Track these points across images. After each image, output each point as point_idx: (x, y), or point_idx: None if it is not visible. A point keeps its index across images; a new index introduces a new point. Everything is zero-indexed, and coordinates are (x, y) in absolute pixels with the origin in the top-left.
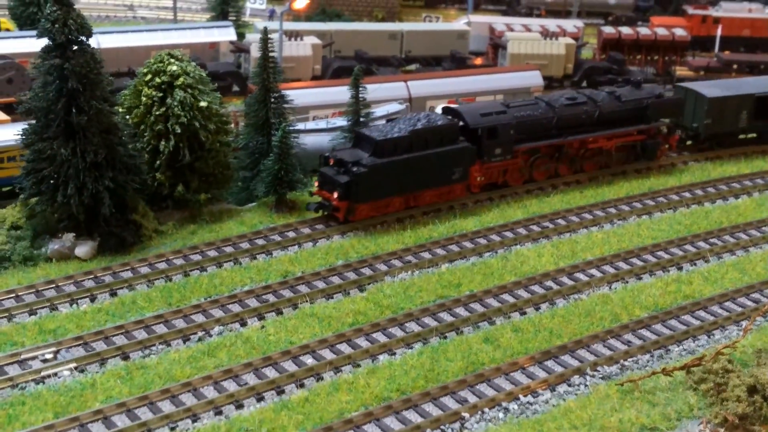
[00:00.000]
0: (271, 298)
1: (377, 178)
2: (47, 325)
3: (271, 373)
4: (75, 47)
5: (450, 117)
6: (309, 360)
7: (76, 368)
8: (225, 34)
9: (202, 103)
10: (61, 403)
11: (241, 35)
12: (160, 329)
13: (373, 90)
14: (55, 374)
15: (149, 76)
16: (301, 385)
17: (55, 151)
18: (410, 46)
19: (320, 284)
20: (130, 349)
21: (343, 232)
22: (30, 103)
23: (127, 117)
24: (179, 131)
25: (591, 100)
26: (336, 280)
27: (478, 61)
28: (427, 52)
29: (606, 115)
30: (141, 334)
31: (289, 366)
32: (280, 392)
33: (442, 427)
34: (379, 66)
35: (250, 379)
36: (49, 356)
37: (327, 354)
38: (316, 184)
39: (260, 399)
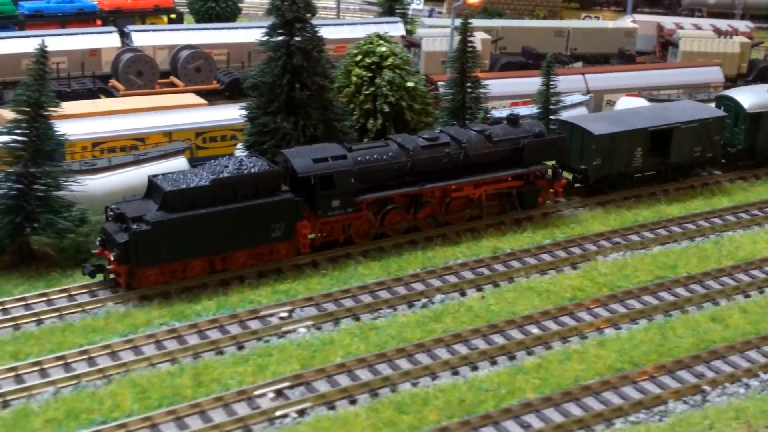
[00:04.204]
0: (485, 271)
1: (166, 237)
2: (279, 287)
3: (499, 339)
4: (299, 25)
5: (269, 164)
6: (534, 329)
7: (312, 326)
8: (395, 30)
9: (409, 84)
10: (304, 356)
11: (408, 32)
12: (384, 294)
13: None
14: (294, 330)
15: (359, 57)
16: (530, 353)
17: (277, 125)
18: (576, 44)
19: (531, 260)
20: (360, 311)
21: (545, 214)
22: (256, 79)
23: (338, 96)
24: (387, 110)
25: (455, 140)
26: (547, 257)
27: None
28: (593, 49)
29: (473, 158)
30: (367, 298)
31: (516, 334)
32: (512, 358)
33: (683, 398)
34: None
35: (480, 344)
36: (284, 315)
37: (551, 325)
38: (98, 242)
39: (493, 363)
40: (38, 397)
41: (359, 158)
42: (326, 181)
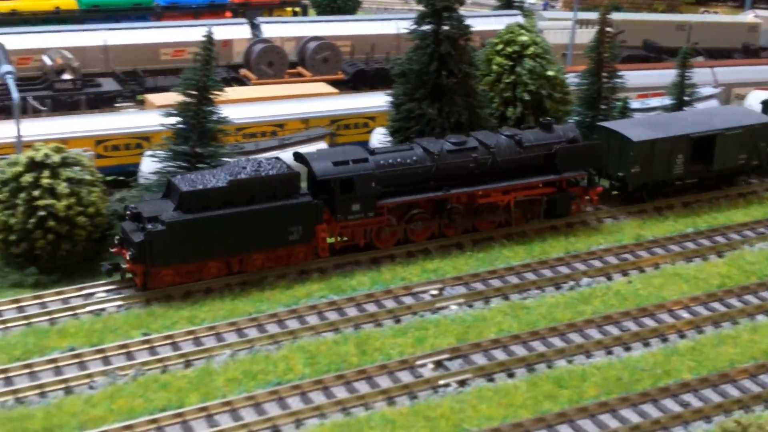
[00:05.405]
0: (629, 257)
1: (181, 237)
2: (427, 266)
3: (649, 322)
4: (447, 14)
5: (288, 166)
6: (685, 314)
7: (464, 303)
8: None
9: (550, 73)
10: (459, 331)
11: None
12: (531, 276)
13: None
14: (447, 307)
15: (500, 46)
16: (683, 336)
17: (423, 111)
18: (698, 38)
19: (675, 248)
20: (509, 291)
21: (686, 203)
22: (403, 66)
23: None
24: (527, 98)
25: (483, 145)
26: (691, 245)
27: None
28: (715, 44)
29: (502, 163)
30: (514, 279)
31: (666, 318)
32: (664, 340)
33: None
34: (667, 56)
35: (631, 326)
36: (434, 292)
37: (701, 310)
38: (116, 240)
39: (646, 344)
40: (217, 358)
41: (381, 162)
42: (346, 185)
